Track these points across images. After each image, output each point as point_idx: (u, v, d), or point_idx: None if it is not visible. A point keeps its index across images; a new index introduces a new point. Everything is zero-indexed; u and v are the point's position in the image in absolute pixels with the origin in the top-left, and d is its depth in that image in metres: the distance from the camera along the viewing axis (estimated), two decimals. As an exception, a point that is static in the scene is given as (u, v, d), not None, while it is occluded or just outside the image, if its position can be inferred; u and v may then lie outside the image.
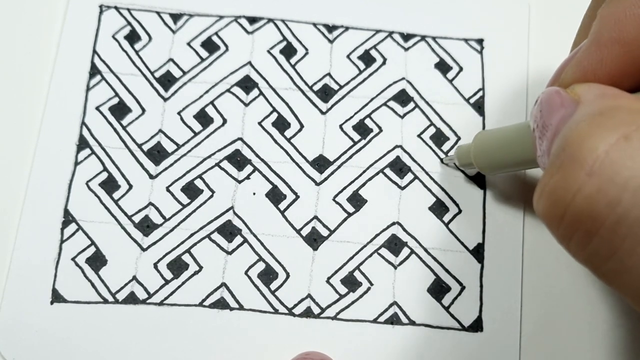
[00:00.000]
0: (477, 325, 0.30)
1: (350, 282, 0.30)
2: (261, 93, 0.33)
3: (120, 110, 0.33)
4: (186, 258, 0.31)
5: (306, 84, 0.34)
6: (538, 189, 0.18)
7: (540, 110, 0.21)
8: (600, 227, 0.17)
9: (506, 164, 0.28)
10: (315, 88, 0.33)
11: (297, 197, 0.32)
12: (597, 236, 0.17)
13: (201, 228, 0.31)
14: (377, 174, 0.32)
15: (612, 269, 0.17)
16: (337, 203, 0.32)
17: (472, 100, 0.33)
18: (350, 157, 0.32)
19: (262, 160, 0.32)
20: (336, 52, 0.34)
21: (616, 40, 0.20)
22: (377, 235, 0.31)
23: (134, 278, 0.30)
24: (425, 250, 0.31)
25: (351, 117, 0.33)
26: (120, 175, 0.32)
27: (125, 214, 0.31)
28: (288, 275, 0.30)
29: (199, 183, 0.32)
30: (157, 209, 0.31)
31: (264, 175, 0.32)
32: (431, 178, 0.32)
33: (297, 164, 0.32)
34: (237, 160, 0.32)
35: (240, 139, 0.33)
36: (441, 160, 0.32)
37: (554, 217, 0.18)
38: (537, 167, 0.24)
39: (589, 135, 0.17)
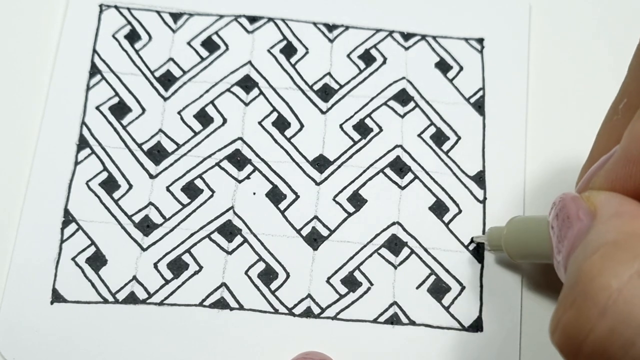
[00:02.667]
0: (477, 325, 0.30)
1: (350, 282, 0.30)
2: (261, 92, 0.33)
3: (120, 109, 0.33)
4: (186, 258, 0.31)
5: (306, 83, 0.33)
6: (554, 320, 0.18)
7: (557, 215, 0.21)
8: None
9: (535, 256, 0.27)
10: (316, 87, 0.33)
11: (297, 197, 0.32)
12: None
13: (201, 228, 0.31)
14: (377, 173, 0.32)
15: None
16: (337, 203, 0.31)
17: (472, 100, 0.33)
18: (351, 156, 0.32)
19: (262, 160, 0.32)
20: (336, 52, 0.34)
21: None
22: (377, 235, 0.31)
23: (134, 278, 0.30)
24: (425, 250, 0.31)
25: (351, 117, 0.33)
26: (120, 175, 0.32)
27: (126, 213, 0.31)
28: (288, 275, 0.30)
29: (199, 183, 0.32)
30: (157, 208, 0.31)
31: (264, 175, 0.32)
32: (431, 178, 0.32)
33: (297, 163, 0.32)
34: (237, 160, 0.32)
35: (241, 138, 0.33)
36: (471, 239, 0.31)
37: (569, 353, 0.17)
38: None
39: (601, 271, 0.17)
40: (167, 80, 0.33)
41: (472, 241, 0.31)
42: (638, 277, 0.16)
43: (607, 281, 0.16)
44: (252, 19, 0.34)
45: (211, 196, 0.32)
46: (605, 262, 0.17)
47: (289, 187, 0.32)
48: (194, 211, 0.31)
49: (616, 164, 0.20)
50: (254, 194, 0.32)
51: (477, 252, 0.31)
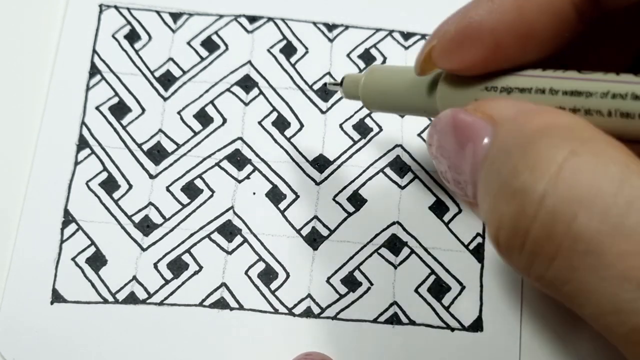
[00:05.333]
0: (477, 325, 0.30)
1: (350, 282, 0.30)
2: (261, 92, 0.33)
3: (120, 109, 0.33)
4: (186, 258, 0.31)
5: (306, 83, 0.33)
6: (493, 219, 0.18)
7: (438, 135, 0.20)
8: (560, 248, 0.16)
9: (393, 107, 0.26)
10: (316, 87, 0.33)
11: (297, 196, 0.32)
12: (557, 258, 0.16)
13: (201, 228, 0.31)
14: (377, 173, 0.32)
15: (573, 290, 0.16)
16: (337, 203, 0.31)
17: (472, 100, 0.33)
18: (351, 156, 0.32)
19: (262, 159, 0.32)
20: (336, 51, 0.34)
21: (518, 8, 0.19)
22: (377, 235, 0.31)
23: (134, 278, 0.30)
24: (426, 250, 0.31)
25: (351, 117, 0.33)
26: (120, 175, 0.32)
27: (125, 213, 0.31)
28: (288, 275, 0.30)
29: (199, 183, 0.32)
30: (157, 208, 0.31)
31: (264, 175, 0.32)
32: (431, 177, 0.32)
33: (297, 163, 0.32)
34: (237, 159, 0.32)
35: (240, 138, 0.32)
36: (325, 84, 0.30)
37: (514, 247, 0.17)
38: (424, 116, 0.24)
39: (536, 157, 0.17)
40: (166, 80, 0.33)
41: (325, 85, 0.30)
42: (572, 156, 0.16)
43: (545, 165, 0.16)
44: (252, 19, 0.34)
45: (211, 196, 0.32)
46: (538, 149, 0.17)
47: (289, 187, 0.32)
48: (193, 211, 0.31)
49: (490, 8, 0.20)
50: (254, 194, 0.32)
51: (478, 252, 0.31)
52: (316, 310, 0.30)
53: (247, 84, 0.33)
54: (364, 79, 0.27)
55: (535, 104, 0.19)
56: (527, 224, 0.17)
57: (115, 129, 0.32)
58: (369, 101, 0.27)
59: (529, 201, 0.17)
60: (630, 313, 0.15)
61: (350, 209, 0.31)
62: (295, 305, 0.30)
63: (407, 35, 0.34)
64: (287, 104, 0.33)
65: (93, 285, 0.30)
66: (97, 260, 0.30)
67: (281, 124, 0.33)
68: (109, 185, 0.32)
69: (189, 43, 0.34)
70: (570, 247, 0.16)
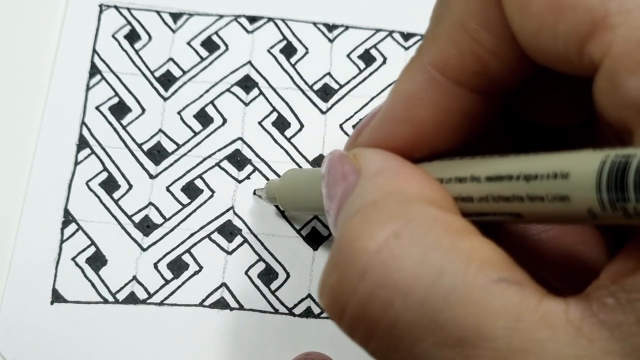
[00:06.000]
0: (477, 325, 0.30)
1: (351, 282, 0.30)
2: (261, 92, 0.33)
3: (120, 109, 0.33)
4: (186, 258, 0.31)
5: (306, 83, 0.33)
6: (321, 281, 0.18)
7: (326, 173, 0.21)
8: (376, 329, 0.16)
9: (306, 208, 0.28)
10: (316, 87, 0.33)
11: (297, 197, 0.32)
12: (375, 337, 0.16)
13: (201, 228, 0.31)
14: (377, 173, 0.32)
15: None
16: (337, 203, 0.31)
17: (472, 100, 0.33)
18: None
19: (262, 160, 0.32)
20: (336, 52, 0.34)
21: (405, 119, 0.19)
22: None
23: (134, 278, 0.30)
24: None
25: (351, 117, 0.33)
26: (120, 175, 0.32)
27: (125, 214, 0.31)
28: (288, 275, 0.30)
29: (199, 183, 0.32)
30: (157, 208, 0.31)
31: (264, 175, 0.32)
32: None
33: (297, 163, 0.32)
34: (237, 160, 0.32)
35: (241, 138, 0.33)
36: (254, 191, 0.31)
37: (335, 315, 0.17)
38: None
39: (359, 233, 0.17)
40: (167, 80, 0.33)
41: (254, 193, 0.31)
42: (394, 238, 0.16)
43: (365, 244, 0.16)
44: (252, 19, 0.34)
45: (211, 196, 0.32)
46: (364, 224, 0.17)
47: (289, 187, 0.32)
48: (194, 211, 0.31)
49: (380, 122, 0.20)
50: (254, 193, 0.32)
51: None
52: (316, 310, 0.30)
53: (247, 84, 0.33)
54: (280, 183, 0.28)
55: (401, 161, 0.19)
56: (345, 298, 0.17)
57: (115, 129, 0.32)
58: (286, 204, 0.29)
59: (348, 276, 0.17)
60: None
61: (351, 209, 0.31)
62: (296, 305, 0.30)
63: (407, 36, 0.34)
64: (287, 104, 0.33)
65: (93, 285, 0.30)
66: (97, 260, 0.30)
67: (281, 124, 0.33)
68: (109, 185, 0.32)
69: (189, 43, 0.34)
70: (387, 330, 0.16)
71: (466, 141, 0.20)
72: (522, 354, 0.14)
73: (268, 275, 0.30)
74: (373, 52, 0.34)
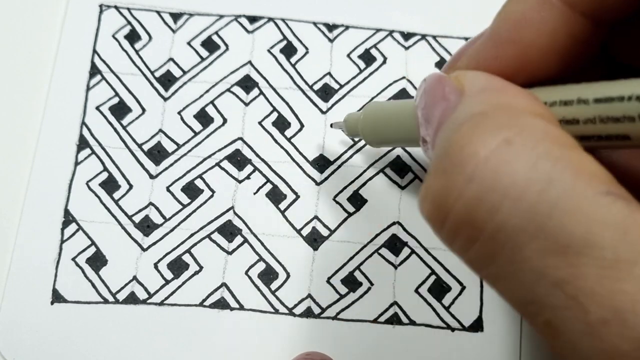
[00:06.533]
0: (477, 325, 0.30)
1: (351, 282, 0.30)
2: (261, 92, 0.33)
3: (120, 110, 0.33)
4: (186, 258, 0.31)
5: (306, 83, 0.33)
6: (422, 191, 0.18)
7: (423, 95, 0.20)
8: (480, 234, 0.16)
9: (392, 140, 0.27)
10: (316, 87, 0.33)
11: (298, 197, 0.32)
12: (478, 242, 0.16)
13: (201, 228, 0.31)
14: (377, 173, 0.32)
15: (493, 274, 0.16)
16: (338, 203, 0.31)
17: (472, 100, 0.33)
18: (351, 156, 0.32)
19: (263, 160, 0.32)
20: (336, 51, 0.34)
21: (512, 41, 0.19)
22: (377, 235, 0.31)
23: (134, 278, 0.30)
24: (426, 250, 0.31)
25: (351, 117, 0.33)
26: (120, 175, 0.32)
27: (126, 214, 0.31)
28: (288, 275, 0.30)
29: (199, 183, 0.32)
30: (157, 209, 0.31)
31: (264, 175, 0.32)
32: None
33: (297, 163, 0.32)
34: (238, 160, 0.32)
35: (241, 138, 0.32)
36: (331, 125, 0.31)
37: (436, 221, 0.17)
38: None
39: (469, 139, 0.17)
40: (167, 80, 0.33)
41: (331, 126, 0.31)
42: (505, 144, 0.16)
43: (475, 149, 0.16)
44: (252, 19, 0.34)
45: (211, 196, 0.32)
46: (474, 131, 0.17)
47: (289, 187, 0.32)
48: (194, 211, 0.31)
49: (484, 45, 0.20)
50: (254, 194, 0.32)
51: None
52: (316, 310, 0.30)
53: (247, 84, 0.33)
54: (362, 117, 0.28)
55: (505, 82, 0.19)
56: (450, 202, 0.17)
57: (115, 129, 0.32)
58: (370, 137, 0.28)
59: (455, 181, 0.17)
60: (545, 307, 0.15)
61: (351, 209, 0.31)
62: (296, 305, 0.30)
63: (407, 36, 0.34)
64: (287, 104, 0.33)
65: (93, 285, 0.30)
66: (98, 260, 0.30)
67: (281, 124, 0.33)
68: (109, 185, 0.32)
69: (189, 43, 0.34)
70: (491, 235, 0.16)
71: (565, 72, 0.20)
72: (628, 264, 0.14)
73: (268, 275, 0.30)
74: (373, 51, 0.34)
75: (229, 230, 0.31)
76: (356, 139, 0.32)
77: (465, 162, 0.16)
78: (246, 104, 0.33)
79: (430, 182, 0.18)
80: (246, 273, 0.30)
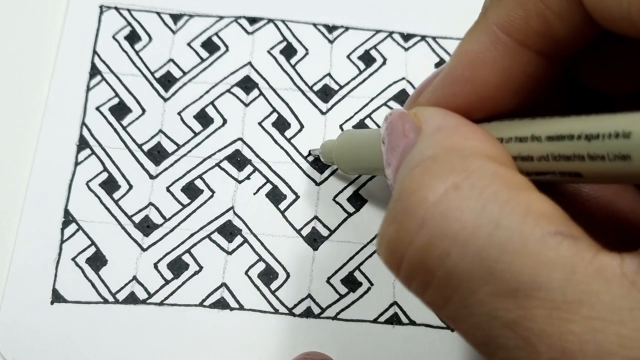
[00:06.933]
0: (477, 325, 0.30)
1: (351, 282, 0.30)
2: (261, 93, 0.33)
3: (120, 110, 0.33)
4: (186, 258, 0.31)
5: (306, 84, 0.34)
6: (379, 234, 0.18)
7: (386, 130, 0.21)
8: (433, 278, 0.16)
9: (363, 168, 0.28)
10: (316, 88, 0.33)
11: (297, 197, 0.32)
12: (432, 286, 0.17)
13: (201, 228, 0.31)
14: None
15: (449, 316, 0.17)
16: (337, 203, 0.32)
17: (472, 101, 0.33)
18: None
19: (262, 160, 0.32)
20: (336, 52, 0.34)
21: (467, 79, 0.20)
22: (377, 235, 0.31)
23: (134, 278, 0.30)
24: (426, 250, 0.31)
25: (351, 117, 0.33)
26: (120, 175, 0.32)
27: (126, 214, 0.31)
28: (288, 275, 0.30)
29: (199, 183, 0.32)
30: (157, 209, 0.31)
31: (264, 176, 0.32)
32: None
33: (297, 164, 0.32)
34: (237, 160, 0.32)
35: (241, 139, 0.33)
36: (309, 152, 0.32)
37: (392, 265, 0.18)
38: None
39: (420, 185, 0.17)
40: (167, 81, 0.33)
41: (309, 154, 0.32)
42: (453, 190, 0.16)
43: (425, 195, 0.17)
44: (252, 20, 0.34)
45: (211, 196, 0.32)
46: (424, 176, 0.17)
47: (289, 187, 0.32)
48: (194, 211, 0.31)
49: (442, 82, 0.20)
50: (254, 194, 0.32)
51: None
52: (316, 310, 0.30)
53: (247, 85, 0.33)
54: (336, 144, 0.29)
55: (460, 119, 0.19)
56: (403, 248, 0.17)
57: (115, 130, 0.33)
58: (342, 165, 0.29)
59: (407, 226, 0.17)
60: (499, 348, 0.16)
61: (350, 209, 0.31)
62: (296, 305, 0.30)
63: (406, 37, 0.34)
64: (287, 105, 0.33)
65: (93, 285, 0.30)
66: (98, 261, 0.30)
67: (281, 124, 0.33)
68: (109, 185, 0.32)
69: (189, 44, 0.34)
70: (443, 279, 0.16)
71: (525, 105, 0.20)
72: (576, 305, 0.15)
73: (268, 275, 0.30)
74: (373, 53, 0.34)
75: (228, 231, 0.31)
76: (330, 164, 0.32)
77: (416, 207, 0.17)
78: (246, 105, 0.33)
79: (385, 227, 0.18)
80: (246, 273, 0.30)
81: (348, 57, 0.34)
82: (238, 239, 0.31)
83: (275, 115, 0.33)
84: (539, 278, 0.15)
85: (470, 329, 0.16)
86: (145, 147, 0.32)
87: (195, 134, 0.33)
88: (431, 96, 0.21)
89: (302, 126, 0.33)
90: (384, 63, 0.34)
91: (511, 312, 0.15)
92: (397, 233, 0.17)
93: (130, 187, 0.32)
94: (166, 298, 0.30)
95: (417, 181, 0.17)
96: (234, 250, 0.31)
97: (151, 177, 0.32)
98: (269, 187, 0.32)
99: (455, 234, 0.16)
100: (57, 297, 0.30)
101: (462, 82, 0.20)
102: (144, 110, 0.33)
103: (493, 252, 0.15)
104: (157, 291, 0.30)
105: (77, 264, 0.30)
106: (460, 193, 0.16)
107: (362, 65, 0.34)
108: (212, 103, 0.33)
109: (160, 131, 0.33)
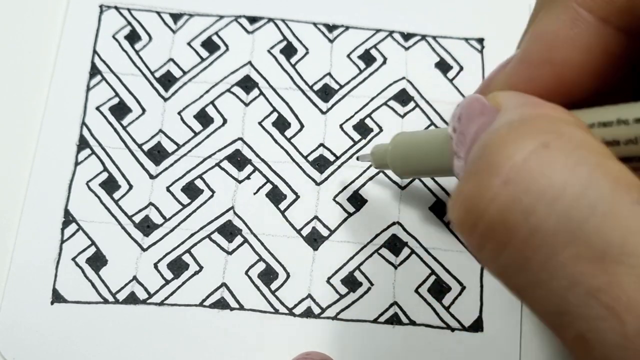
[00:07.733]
0: (477, 325, 0.30)
1: (351, 282, 0.30)
2: (261, 93, 0.33)
3: (120, 110, 0.33)
4: (186, 258, 0.31)
5: (306, 83, 0.33)
6: (453, 195, 0.17)
7: (459, 117, 0.20)
8: (513, 237, 0.16)
9: (421, 170, 0.27)
10: (316, 88, 0.33)
11: (298, 197, 0.32)
12: (510, 247, 0.16)
13: (201, 228, 0.31)
14: (377, 173, 0.32)
15: (523, 283, 0.16)
16: (337, 203, 0.31)
17: (472, 100, 0.33)
18: (351, 156, 0.32)
19: (263, 160, 0.32)
20: (336, 52, 0.34)
21: (546, 61, 0.19)
22: (377, 235, 0.31)
23: (134, 278, 0.30)
24: (426, 250, 0.31)
25: (351, 117, 0.33)
26: (120, 175, 0.32)
27: (126, 214, 0.31)
28: (288, 275, 0.30)
29: (199, 183, 0.32)
30: (157, 209, 0.31)
31: (264, 175, 0.32)
32: (432, 178, 0.32)
33: (297, 163, 0.32)
34: (238, 160, 0.32)
35: (241, 138, 0.33)
36: (357, 158, 0.31)
37: (467, 225, 0.17)
38: (453, 176, 0.23)
39: (507, 142, 0.16)
40: (167, 80, 0.33)
41: (357, 159, 0.31)
42: (543, 148, 0.16)
43: (512, 151, 0.16)
44: (252, 20, 0.34)
45: (211, 196, 0.32)
46: (511, 134, 0.16)
47: (289, 187, 0.32)
48: (194, 211, 0.31)
49: (516, 68, 0.20)
50: (255, 194, 0.32)
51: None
52: (316, 310, 0.30)
53: (247, 84, 0.33)
54: (391, 147, 0.28)
55: (543, 101, 0.19)
56: (483, 205, 0.16)
57: (115, 130, 0.33)
58: (399, 169, 0.28)
59: (489, 183, 0.16)
60: (578, 318, 0.15)
61: (351, 209, 0.31)
62: (296, 305, 0.30)
63: (407, 36, 0.34)
64: (287, 104, 0.33)
65: (93, 285, 0.30)
66: (98, 261, 0.31)
67: (281, 124, 0.33)
68: (110, 185, 0.32)
69: (189, 44, 0.34)
70: (525, 238, 0.16)
71: (602, 89, 0.19)
72: None
73: (268, 275, 0.30)
74: (373, 52, 0.34)
75: (229, 231, 0.31)
76: (383, 169, 0.31)
77: (501, 164, 0.16)
78: (246, 104, 0.33)
79: (462, 185, 0.17)
80: (246, 273, 0.30)
81: (348, 56, 0.34)
82: (238, 239, 0.31)
83: (275, 115, 0.33)
84: (629, 243, 0.14)
85: (547, 297, 0.15)
86: (145, 147, 0.32)
87: (196, 134, 0.33)
88: (504, 84, 0.20)
89: (302, 126, 0.33)
90: (384, 62, 0.34)
91: (596, 278, 0.14)
92: (478, 190, 0.16)
93: (131, 187, 0.32)
94: (166, 298, 0.30)
95: (503, 138, 0.16)
96: (234, 250, 0.31)
97: (151, 177, 0.32)
98: (269, 187, 0.32)
99: (542, 191, 0.15)
100: (57, 297, 0.30)
101: (539, 64, 0.19)
102: (144, 110, 0.33)
103: (582, 212, 0.15)
104: (157, 291, 0.30)
105: (77, 264, 0.30)
106: (549, 152, 0.16)
107: (362, 65, 0.34)
108: (212, 103, 0.33)
109: (160, 131, 0.33)
